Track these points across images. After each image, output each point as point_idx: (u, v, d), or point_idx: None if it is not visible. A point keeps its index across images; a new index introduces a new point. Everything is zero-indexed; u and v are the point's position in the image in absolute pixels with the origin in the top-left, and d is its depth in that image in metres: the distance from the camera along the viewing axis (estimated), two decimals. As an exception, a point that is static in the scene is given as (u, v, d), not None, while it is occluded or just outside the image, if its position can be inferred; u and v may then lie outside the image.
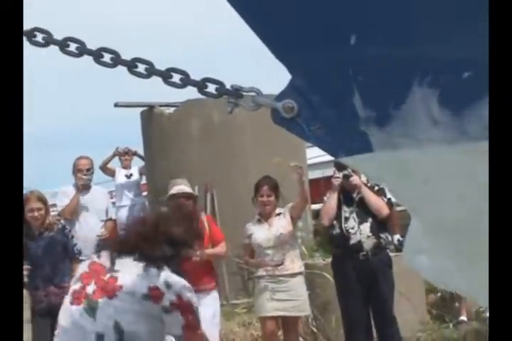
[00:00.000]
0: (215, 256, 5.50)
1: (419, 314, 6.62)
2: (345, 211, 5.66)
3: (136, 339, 2.74)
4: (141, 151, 8.70)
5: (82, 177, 6.84)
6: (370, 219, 5.59)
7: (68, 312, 2.84)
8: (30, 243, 5.36)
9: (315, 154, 10.51)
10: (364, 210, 5.61)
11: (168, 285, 2.78)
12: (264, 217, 5.62)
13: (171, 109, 8.29)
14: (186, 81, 1.46)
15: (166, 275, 2.82)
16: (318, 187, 8.86)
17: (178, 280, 2.85)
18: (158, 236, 2.94)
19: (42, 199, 5.50)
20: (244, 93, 1.46)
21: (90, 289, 2.81)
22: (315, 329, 6.21)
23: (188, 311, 2.80)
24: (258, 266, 5.54)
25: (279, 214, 5.62)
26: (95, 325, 2.72)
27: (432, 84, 1.37)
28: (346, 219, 5.64)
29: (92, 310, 2.75)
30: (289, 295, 5.43)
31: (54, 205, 9.49)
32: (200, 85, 1.45)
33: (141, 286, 2.76)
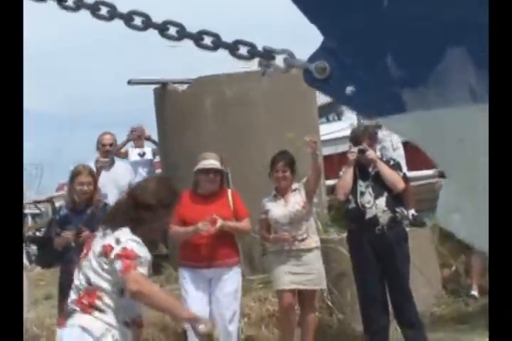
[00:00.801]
0: (238, 230, 5.49)
1: (434, 288, 6.66)
2: (361, 185, 5.67)
3: (101, 293, 3.22)
4: (154, 129, 8.70)
5: (107, 150, 7.04)
6: (385, 194, 5.59)
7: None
8: (71, 214, 5.51)
9: (328, 130, 10.55)
10: (379, 185, 5.61)
11: (118, 241, 3.19)
12: (281, 193, 5.63)
13: (184, 86, 8.26)
14: (218, 43, 1.46)
15: (120, 233, 3.22)
16: (332, 164, 8.85)
17: (128, 237, 3.20)
18: (129, 200, 3.38)
19: (92, 174, 5.64)
20: (276, 55, 1.46)
21: (82, 254, 3.42)
22: (330, 304, 6.24)
23: (128, 257, 3.13)
24: (276, 241, 5.55)
25: (294, 190, 5.63)
26: (79, 281, 3.33)
27: (468, 45, 1.37)
28: (362, 193, 5.64)
29: (80, 269, 3.36)
30: (305, 269, 5.46)
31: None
32: (232, 47, 1.45)
33: (97, 245, 3.27)
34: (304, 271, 5.46)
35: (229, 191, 5.65)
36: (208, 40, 1.46)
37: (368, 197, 5.60)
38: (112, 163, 7.39)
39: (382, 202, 5.58)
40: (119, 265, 3.15)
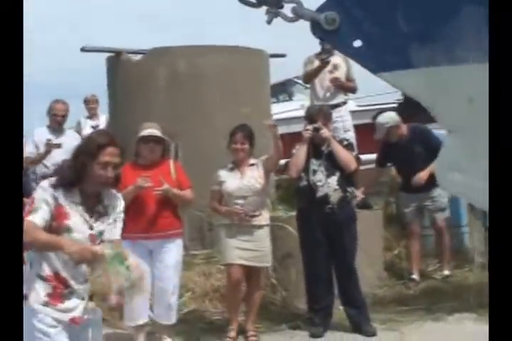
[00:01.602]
0: (181, 198, 5.38)
1: (377, 271, 6.75)
2: (314, 164, 5.68)
3: None
4: (105, 99, 8.53)
5: (58, 121, 6.92)
6: (337, 173, 5.62)
7: None
8: None
9: (279, 110, 10.52)
10: (332, 164, 5.64)
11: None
12: (237, 165, 5.56)
13: (138, 56, 8.11)
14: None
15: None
16: (283, 143, 8.85)
17: (40, 184, 3.35)
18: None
19: None
20: (285, 4, 1.41)
21: None
22: (274, 281, 6.25)
23: (29, 205, 3.20)
24: (227, 214, 5.47)
25: (252, 165, 5.58)
26: None
27: (480, 2, 1.35)
28: (314, 171, 5.66)
29: None
30: (254, 246, 5.44)
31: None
32: (240, -8, 1.39)
33: None
34: (253, 248, 5.43)
35: (171, 161, 5.57)
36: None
37: (320, 176, 5.62)
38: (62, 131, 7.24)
39: (333, 181, 5.61)
40: None
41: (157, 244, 5.26)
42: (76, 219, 3.22)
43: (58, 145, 6.78)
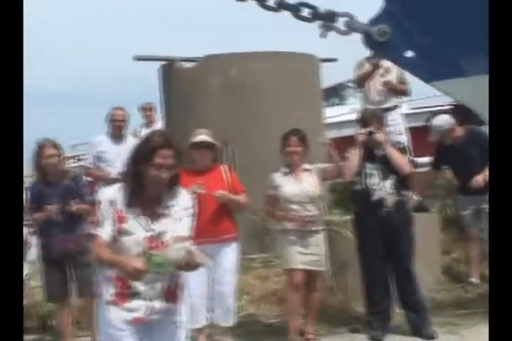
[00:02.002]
0: (236, 203, 5.44)
1: (435, 274, 6.71)
2: (368, 167, 5.70)
3: None
4: (159, 107, 8.70)
5: (119, 126, 7.06)
6: (392, 176, 5.62)
7: None
8: (46, 189, 5.49)
9: (331, 114, 10.55)
10: (386, 167, 5.64)
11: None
12: (292, 170, 5.57)
13: (191, 64, 8.24)
14: (281, 5, 1.47)
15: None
16: (336, 147, 8.86)
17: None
18: None
19: (57, 147, 5.62)
20: (338, 18, 1.47)
21: None
22: (332, 285, 6.28)
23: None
24: (283, 220, 5.49)
25: (307, 170, 5.61)
26: None
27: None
28: (369, 175, 5.67)
29: None
30: (313, 250, 5.48)
31: (74, 157, 9.50)
32: (295, 9, 1.46)
33: None
34: (312, 252, 5.47)
35: (223, 166, 5.63)
36: (271, 1, 1.47)
37: (375, 179, 5.63)
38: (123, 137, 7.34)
39: (388, 184, 5.61)
40: None
41: (215, 249, 5.34)
42: (133, 222, 3.30)
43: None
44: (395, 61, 1.52)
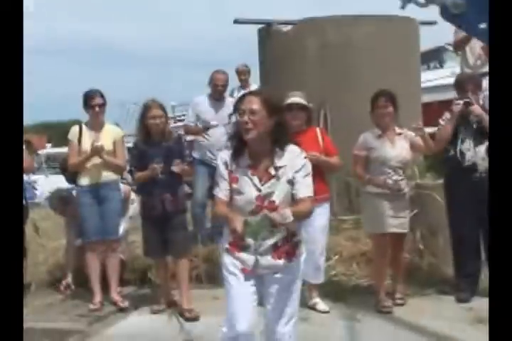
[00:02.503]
0: (329, 164, 5.51)
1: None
2: (462, 132, 5.68)
3: None
4: (256, 69, 8.85)
5: (219, 88, 7.24)
6: (485, 142, 5.58)
7: None
8: (149, 149, 5.69)
9: (430, 78, 10.43)
10: (480, 133, 5.60)
11: None
12: (384, 132, 5.56)
13: (289, 27, 8.31)
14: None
15: None
16: (431, 111, 8.79)
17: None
18: None
19: (162, 108, 5.78)
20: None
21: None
22: (422, 247, 6.35)
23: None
24: (373, 183, 5.52)
25: (400, 134, 5.62)
26: None
27: None
28: (462, 141, 5.66)
29: None
30: (402, 213, 5.55)
31: (173, 118, 9.81)
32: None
33: None
34: (401, 215, 5.54)
35: (317, 129, 5.69)
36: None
37: (468, 144, 5.62)
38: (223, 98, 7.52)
39: (482, 149, 5.59)
40: None
41: None
42: (243, 182, 3.49)
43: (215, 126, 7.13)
44: (469, 32, 1.60)
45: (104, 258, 6.10)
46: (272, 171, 3.50)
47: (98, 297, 5.98)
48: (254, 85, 9.16)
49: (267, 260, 3.58)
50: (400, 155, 5.53)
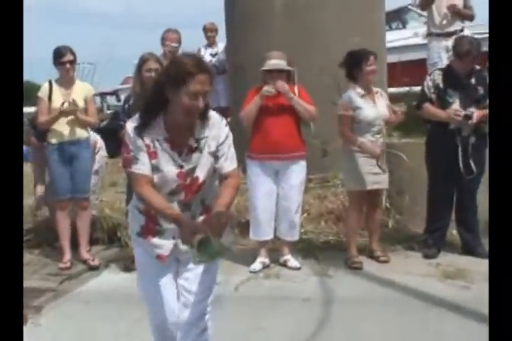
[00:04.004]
0: (305, 110, 5.47)
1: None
2: (449, 95, 5.64)
3: None
4: (223, 27, 8.74)
5: (170, 44, 7.15)
6: (473, 105, 5.58)
7: None
8: (143, 101, 5.57)
9: (392, 38, 10.44)
10: (468, 96, 5.61)
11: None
12: (368, 91, 5.57)
13: (255, -16, 8.18)
14: None
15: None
16: (394, 72, 8.86)
17: (127, 123, 3.07)
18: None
19: (159, 61, 5.69)
20: None
21: None
22: (388, 205, 6.46)
23: (124, 150, 3.05)
24: (360, 148, 5.51)
25: (377, 93, 5.66)
26: None
27: None
28: (449, 103, 5.62)
29: None
30: (383, 170, 5.61)
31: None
32: None
33: None
34: (381, 172, 5.59)
35: (295, 87, 5.65)
36: None
37: (455, 106, 5.61)
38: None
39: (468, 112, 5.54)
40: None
41: (282, 165, 5.53)
42: (163, 158, 3.00)
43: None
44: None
45: (75, 217, 6.06)
46: (193, 143, 3.04)
47: (67, 255, 5.96)
48: (221, 44, 9.05)
49: (183, 246, 3.06)
50: (383, 113, 5.58)
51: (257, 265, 5.67)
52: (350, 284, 5.27)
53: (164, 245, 3.14)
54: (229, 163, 3.11)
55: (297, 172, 5.55)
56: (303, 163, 5.61)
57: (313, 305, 4.81)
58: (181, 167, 3.02)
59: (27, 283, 5.49)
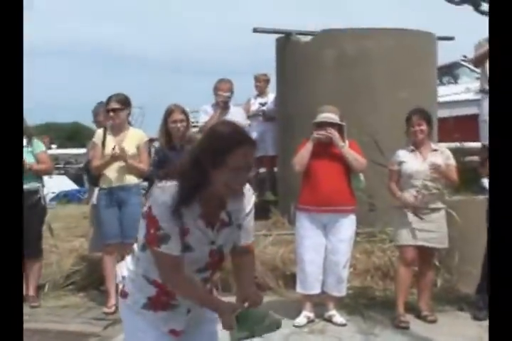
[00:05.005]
0: (356, 160, 5.51)
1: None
2: None
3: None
4: (273, 79, 8.87)
5: (223, 94, 7.28)
6: None
7: None
8: (171, 153, 5.68)
9: (444, 93, 10.44)
10: None
11: (150, 195, 2.68)
12: (418, 148, 5.62)
13: (308, 38, 8.32)
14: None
15: (156, 187, 2.65)
16: (446, 126, 8.83)
17: (156, 194, 2.62)
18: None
19: (185, 113, 5.83)
20: None
21: None
22: (437, 264, 6.33)
23: (150, 225, 2.60)
24: (401, 201, 5.54)
25: (435, 151, 5.67)
26: None
27: None
28: None
29: None
30: (432, 227, 5.53)
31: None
32: None
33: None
34: (431, 229, 5.52)
35: (347, 142, 5.66)
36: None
37: None
38: (227, 107, 7.60)
39: None
40: (143, 227, 2.67)
41: (332, 218, 5.50)
42: (196, 235, 2.65)
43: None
44: None
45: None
46: (225, 217, 2.72)
47: (113, 300, 5.95)
48: (271, 94, 9.17)
49: (196, 311, 2.81)
50: (428, 168, 5.53)
51: (301, 319, 5.58)
52: (397, 344, 5.15)
53: (179, 320, 2.80)
54: (249, 235, 2.85)
55: (346, 226, 5.51)
56: (352, 217, 5.58)
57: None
58: (213, 243, 2.70)
59: (71, 326, 5.56)
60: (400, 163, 5.62)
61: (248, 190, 2.77)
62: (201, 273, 2.76)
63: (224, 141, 2.53)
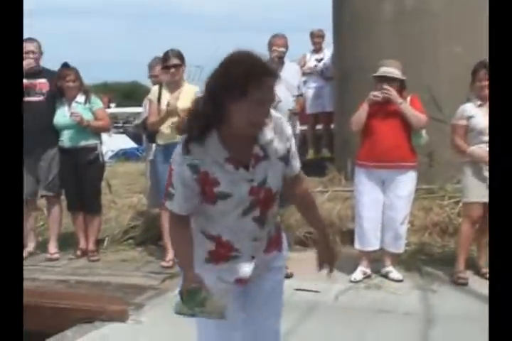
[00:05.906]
0: (416, 118, 5.35)
1: None
2: None
3: None
4: (330, 34, 8.73)
5: (277, 49, 7.17)
6: None
7: None
8: None
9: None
10: None
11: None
12: (485, 103, 5.34)
13: (366, -9, 8.11)
14: None
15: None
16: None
17: (178, 151, 2.51)
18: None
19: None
20: None
21: None
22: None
23: (168, 179, 2.55)
24: (470, 156, 5.34)
25: None
26: None
27: None
28: None
29: None
30: None
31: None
32: None
33: None
34: None
35: (408, 97, 5.52)
36: None
37: None
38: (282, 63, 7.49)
39: None
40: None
41: (390, 175, 5.40)
42: (227, 180, 2.50)
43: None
44: None
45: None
46: (259, 152, 2.53)
47: (170, 255, 6.04)
48: (326, 50, 9.04)
49: (261, 259, 2.75)
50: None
51: (358, 274, 5.58)
52: (455, 300, 5.09)
53: (244, 268, 2.72)
54: (297, 163, 2.70)
55: (405, 182, 5.41)
56: (412, 174, 5.46)
57: (414, 320, 4.66)
58: (252, 181, 2.53)
59: (130, 279, 5.68)
60: (469, 118, 5.40)
61: (280, 116, 2.58)
62: (249, 214, 2.60)
63: (244, 71, 2.29)
